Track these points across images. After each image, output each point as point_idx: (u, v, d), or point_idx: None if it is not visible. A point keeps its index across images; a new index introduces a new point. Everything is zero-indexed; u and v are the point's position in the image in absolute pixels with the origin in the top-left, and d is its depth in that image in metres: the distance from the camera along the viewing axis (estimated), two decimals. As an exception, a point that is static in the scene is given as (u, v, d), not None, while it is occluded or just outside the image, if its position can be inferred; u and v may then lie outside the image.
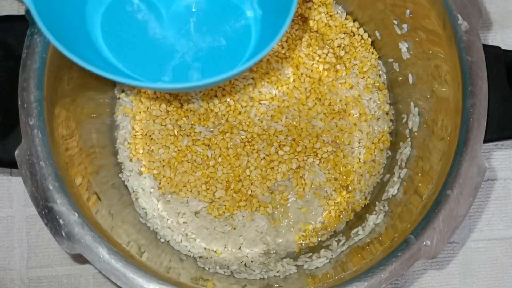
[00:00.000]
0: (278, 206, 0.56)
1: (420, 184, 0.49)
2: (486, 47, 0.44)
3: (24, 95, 0.42)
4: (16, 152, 0.42)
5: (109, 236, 0.44)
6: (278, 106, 0.56)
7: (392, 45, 0.54)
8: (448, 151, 0.45)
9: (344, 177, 0.56)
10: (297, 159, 0.56)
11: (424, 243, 0.42)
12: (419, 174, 0.50)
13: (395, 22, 0.52)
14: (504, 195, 0.60)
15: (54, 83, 0.44)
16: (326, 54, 0.57)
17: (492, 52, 0.45)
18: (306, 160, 0.56)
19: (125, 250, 0.44)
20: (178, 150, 0.56)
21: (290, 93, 0.56)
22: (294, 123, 0.56)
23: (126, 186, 0.56)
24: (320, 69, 0.57)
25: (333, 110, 0.57)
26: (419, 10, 0.47)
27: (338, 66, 0.57)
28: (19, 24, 0.45)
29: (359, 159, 0.57)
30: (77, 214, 0.41)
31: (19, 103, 0.42)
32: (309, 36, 0.57)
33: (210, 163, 0.55)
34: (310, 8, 0.58)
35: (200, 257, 0.54)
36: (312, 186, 0.56)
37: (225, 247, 0.55)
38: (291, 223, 0.56)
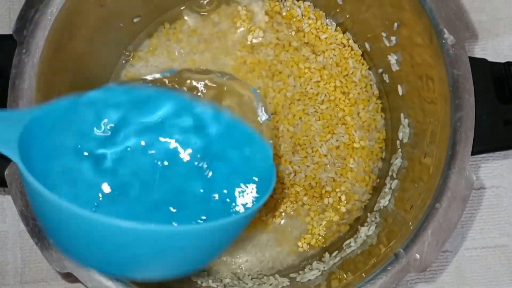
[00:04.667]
0: (274, 218, 0.56)
1: (410, 196, 0.49)
2: (473, 60, 0.44)
3: (13, 115, 0.42)
4: (6, 171, 0.42)
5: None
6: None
7: (381, 57, 0.54)
8: (437, 163, 0.45)
9: (338, 188, 0.56)
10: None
11: (414, 257, 0.42)
12: (410, 185, 0.50)
13: (384, 34, 0.52)
14: (496, 203, 0.60)
15: (43, 102, 0.44)
16: (317, 66, 0.57)
17: (479, 65, 0.45)
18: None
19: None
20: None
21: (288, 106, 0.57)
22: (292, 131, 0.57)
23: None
24: (312, 80, 0.57)
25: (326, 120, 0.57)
26: (406, 23, 0.48)
27: (330, 78, 0.57)
28: (9, 42, 0.45)
29: (351, 169, 0.57)
30: (67, 232, 0.41)
31: (9, 123, 0.42)
32: (299, 47, 0.57)
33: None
34: (300, 21, 0.58)
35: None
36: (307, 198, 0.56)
37: (220, 258, 0.55)
38: (286, 234, 0.56)
